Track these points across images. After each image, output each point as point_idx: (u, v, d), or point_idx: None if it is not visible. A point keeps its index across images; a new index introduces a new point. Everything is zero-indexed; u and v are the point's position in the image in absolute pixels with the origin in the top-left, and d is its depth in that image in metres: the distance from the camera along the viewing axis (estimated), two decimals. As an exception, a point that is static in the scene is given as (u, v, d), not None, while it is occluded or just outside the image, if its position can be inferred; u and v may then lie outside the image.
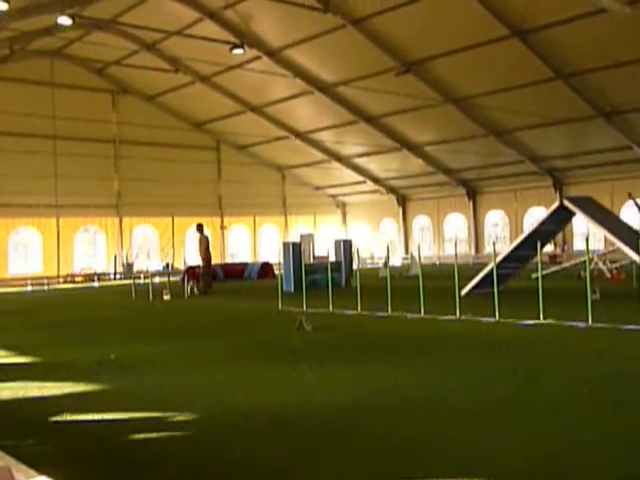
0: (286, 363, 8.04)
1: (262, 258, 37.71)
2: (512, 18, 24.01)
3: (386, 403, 5.90)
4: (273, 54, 29.85)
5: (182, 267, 28.80)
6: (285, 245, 22.61)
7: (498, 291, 11.54)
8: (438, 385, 6.57)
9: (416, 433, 4.95)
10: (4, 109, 31.70)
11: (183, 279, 22.00)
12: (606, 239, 24.29)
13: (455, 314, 11.65)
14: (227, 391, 6.61)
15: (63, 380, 7.38)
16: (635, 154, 31.42)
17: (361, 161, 40.39)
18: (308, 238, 27.85)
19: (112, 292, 24.92)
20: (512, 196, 38.52)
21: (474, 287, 15.26)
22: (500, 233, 39.63)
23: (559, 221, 15.97)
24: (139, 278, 25.67)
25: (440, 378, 6.89)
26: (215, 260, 29.09)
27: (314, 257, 25.86)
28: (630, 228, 16.17)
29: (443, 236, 42.01)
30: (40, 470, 3.43)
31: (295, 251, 21.31)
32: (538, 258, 12.13)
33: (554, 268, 22.81)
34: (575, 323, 10.11)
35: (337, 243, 24.05)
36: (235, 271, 30.38)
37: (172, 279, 23.87)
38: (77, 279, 33.56)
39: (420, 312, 12.19)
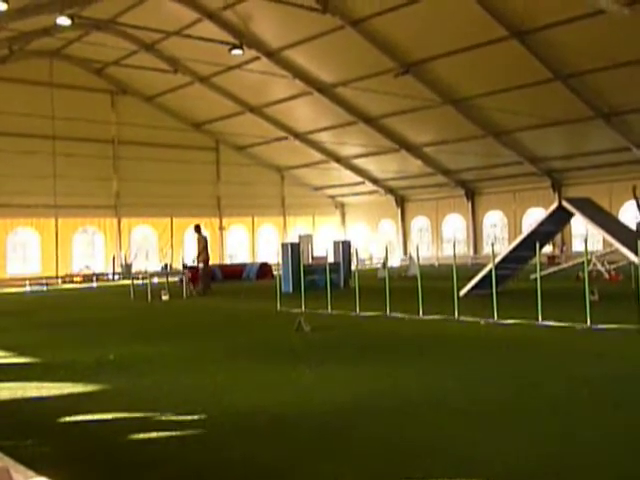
0: (285, 363, 8.03)
1: (261, 259, 37.70)
2: (511, 19, 24.03)
3: (386, 403, 5.90)
4: (272, 55, 29.85)
5: (180, 267, 28.81)
6: (284, 246, 22.61)
7: (497, 292, 11.53)
8: (437, 385, 6.57)
9: (416, 433, 4.95)
10: (3, 109, 31.65)
11: (182, 279, 21.99)
12: (604, 240, 24.32)
13: (454, 315, 11.66)
14: (226, 391, 6.61)
15: (62, 380, 7.37)
16: (634, 155, 31.45)
17: (360, 162, 40.41)
18: (307, 239, 27.84)
19: (111, 292, 24.91)
20: (511, 197, 38.55)
21: (473, 288, 15.26)
22: (499, 234, 39.64)
23: (558, 222, 15.98)
24: (138, 278, 25.64)
25: (439, 378, 6.89)
26: (214, 261, 29.11)
27: (313, 258, 25.85)
28: (628, 229, 16.19)
29: (442, 237, 42.03)
30: (39, 471, 3.42)
31: (294, 252, 21.30)
32: (537, 259, 12.14)
33: (552, 269, 22.83)
34: (574, 324, 10.11)
35: (336, 244, 24.05)
36: (234, 272, 30.38)
37: (171, 279, 23.84)
38: (76, 279, 33.53)
39: (419, 313, 12.19)
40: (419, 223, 43.73)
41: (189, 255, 29.86)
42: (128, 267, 34.46)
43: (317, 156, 39.99)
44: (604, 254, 22.96)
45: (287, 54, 29.80)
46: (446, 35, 25.83)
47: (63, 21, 24.12)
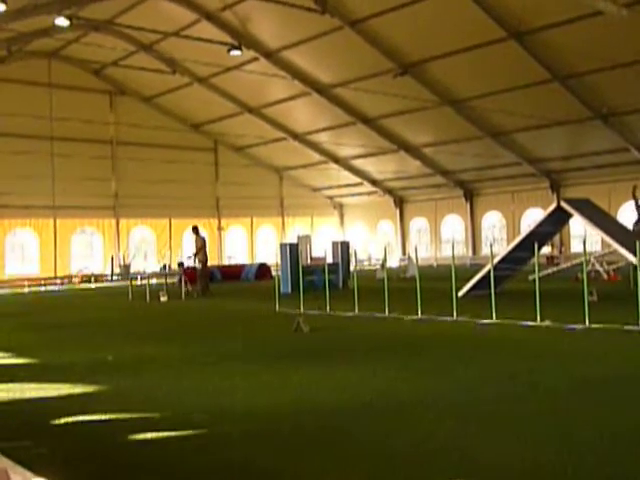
0: (284, 364, 8.03)
1: (259, 259, 37.70)
2: (509, 20, 24.05)
3: (385, 404, 5.89)
4: (271, 55, 29.86)
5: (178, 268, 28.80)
6: (282, 246, 22.60)
7: (495, 292, 11.54)
8: (436, 386, 6.57)
9: (415, 434, 4.95)
10: (1, 110, 31.63)
11: (180, 280, 21.98)
12: (603, 241, 24.32)
13: (452, 315, 11.66)
14: (225, 392, 6.60)
15: (60, 381, 7.37)
16: (632, 156, 31.47)
17: (358, 162, 40.42)
18: (305, 239, 27.84)
19: (109, 293, 24.89)
20: (509, 198, 38.57)
21: (471, 288, 15.26)
22: (497, 235, 39.66)
23: (556, 223, 15.99)
24: (136, 279, 25.63)
25: (438, 379, 6.89)
26: (212, 261, 29.11)
27: (311, 258, 25.84)
28: (627, 230, 16.20)
29: (440, 237, 42.05)
30: (37, 472, 3.42)
31: (292, 252, 21.30)
32: (535, 260, 12.14)
33: (551, 269, 22.84)
34: (572, 325, 10.11)
35: (334, 244, 24.05)
36: (232, 272, 30.38)
37: (169, 280, 23.84)
38: (74, 280, 33.52)
39: (417, 313, 12.19)
40: (418, 224, 43.75)
41: (186, 256, 29.82)
42: (126, 268, 34.47)
43: (316, 157, 40.00)
44: (603, 255, 22.97)
45: (286, 55, 29.81)
46: (444, 36, 25.86)
47: (61, 22, 24.14)
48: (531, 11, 23.23)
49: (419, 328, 11.10)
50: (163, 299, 19.21)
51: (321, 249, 22.36)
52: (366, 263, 41.16)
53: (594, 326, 9.87)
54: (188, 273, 22.08)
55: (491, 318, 11.03)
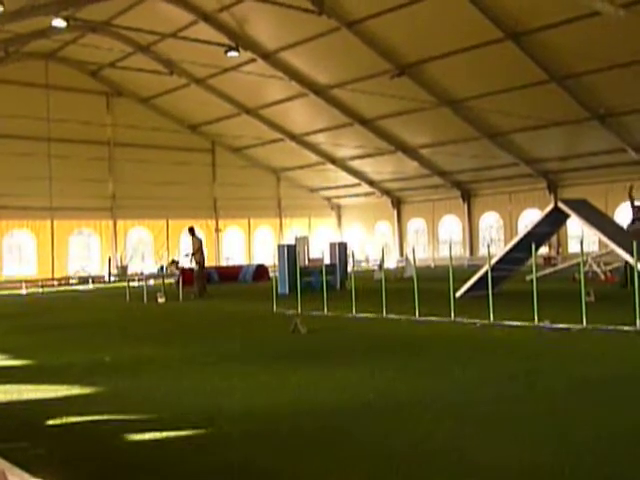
0: (282, 365, 8.03)
1: (257, 260, 37.68)
2: (506, 21, 24.09)
3: (383, 405, 5.89)
4: (268, 56, 29.87)
5: (176, 269, 28.75)
6: (280, 247, 22.59)
7: (493, 293, 11.54)
8: (434, 387, 6.57)
9: (413, 435, 4.95)
10: (-2, 111, 31.65)
11: (178, 281, 21.96)
12: (600, 241, 24.36)
13: (450, 316, 11.66)
14: (223, 393, 6.60)
15: (58, 383, 7.35)
16: (629, 157, 31.53)
17: (356, 163, 40.44)
18: (303, 240, 27.80)
19: (106, 294, 24.86)
20: (507, 198, 38.62)
21: (469, 289, 15.27)
22: (495, 235, 39.70)
23: (553, 223, 16.00)
24: (133, 280, 25.61)
25: (436, 380, 6.89)
26: (210, 263, 29.09)
27: (309, 259, 25.80)
28: (624, 230, 16.22)
29: (438, 238, 42.09)
30: (35, 473, 3.41)
31: (290, 253, 21.30)
32: (533, 260, 12.15)
33: (548, 270, 22.85)
34: (570, 325, 10.12)
35: (332, 245, 24.04)
36: (230, 273, 30.35)
37: (167, 281, 23.81)
38: (71, 281, 33.48)
39: (415, 314, 12.19)
40: (415, 225, 43.78)
41: (183, 257, 29.79)
42: (124, 269, 34.43)
43: (313, 158, 40.01)
44: (600, 255, 23.00)
45: (283, 56, 29.83)
46: (442, 37, 25.89)
47: (58, 23, 24.13)
48: (528, 12, 23.28)
49: (417, 329, 11.10)
50: (161, 300, 19.20)
51: (319, 250, 22.36)
52: (364, 264, 41.16)
53: (591, 326, 9.87)
54: (185, 274, 22.06)
55: (489, 319, 11.03)
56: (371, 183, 42.71)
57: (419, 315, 12.13)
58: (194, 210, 38.15)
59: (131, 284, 22.87)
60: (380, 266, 24.67)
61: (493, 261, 14.54)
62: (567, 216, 15.07)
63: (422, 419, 5.38)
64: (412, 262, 16.56)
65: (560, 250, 35.43)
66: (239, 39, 28.24)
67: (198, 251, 20.85)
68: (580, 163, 33.80)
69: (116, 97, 37.02)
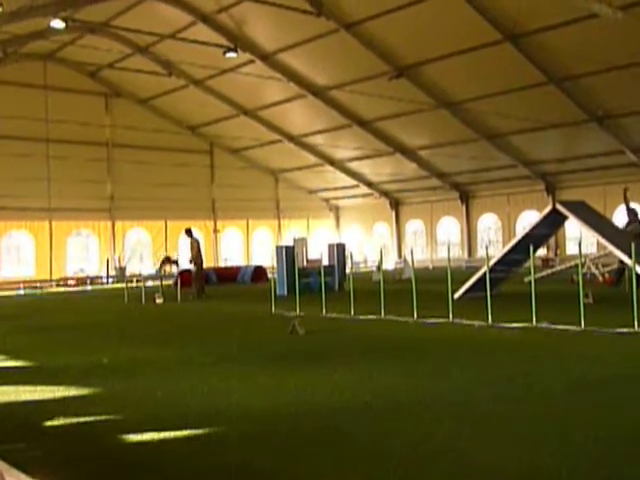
0: (280, 366, 8.02)
1: (255, 262, 37.67)
2: (504, 22, 24.12)
3: (381, 406, 5.89)
4: (266, 58, 29.88)
5: (175, 270, 28.73)
6: (278, 249, 22.59)
7: (491, 295, 11.54)
8: (433, 388, 6.56)
9: (412, 436, 4.94)
10: (-3, 112, 31.64)
11: (176, 282, 21.94)
12: (598, 243, 24.37)
13: (448, 317, 11.66)
14: (221, 394, 6.59)
15: (55, 384, 7.34)
16: (627, 158, 31.57)
17: (354, 165, 40.46)
18: (301, 242, 27.77)
19: (105, 296, 24.84)
20: (505, 200, 38.65)
21: (467, 290, 15.27)
22: (493, 237, 39.73)
23: (552, 225, 16.00)
24: (132, 282, 25.59)
25: (435, 381, 6.89)
26: (208, 264, 29.03)
27: (307, 261, 25.78)
28: (622, 232, 16.23)
29: (436, 240, 42.11)
30: (32, 474, 3.41)
31: (288, 255, 21.30)
32: (531, 262, 12.15)
33: (546, 272, 22.87)
34: (568, 326, 10.13)
35: (330, 247, 24.04)
36: (228, 274, 30.34)
37: (165, 282, 23.79)
38: (70, 282, 33.46)
39: (413, 315, 12.19)
40: (413, 226, 43.80)
41: (182, 258, 29.78)
42: (122, 270, 34.41)
43: (311, 159, 40.02)
44: (598, 257, 23.01)
45: (281, 57, 29.84)
46: (440, 38, 25.91)
47: (57, 24, 24.14)
48: (526, 13, 23.30)
49: (415, 330, 11.09)
50: (159, 301, 19.19)
51: (317, 251, 22.35)
52: (362, 265, 41.18)
53: (590, 328, 9.88)
54: (184, 275, 22.04)
55: (487, 320, 11.03)
56: (369, 184, 42.73)
57: (418, 316, 12.12)
58: (192, 211, 38.14)
59: (129, 285, 22.84)
60: (378, 267, 24.66)
61: (491, 262, 14.56)
62: (565, 218, 15.08)
63: (421, 420, 5.38)
64: (410, 263, 16.53)
65: (558, 252, 35.44)
66: (238, 40, 28.25)
67: (197, 253, 20.82)
68: (578, 165, 33.84)
69: (114, 98, 37.02)
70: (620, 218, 28.50)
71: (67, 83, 34.55)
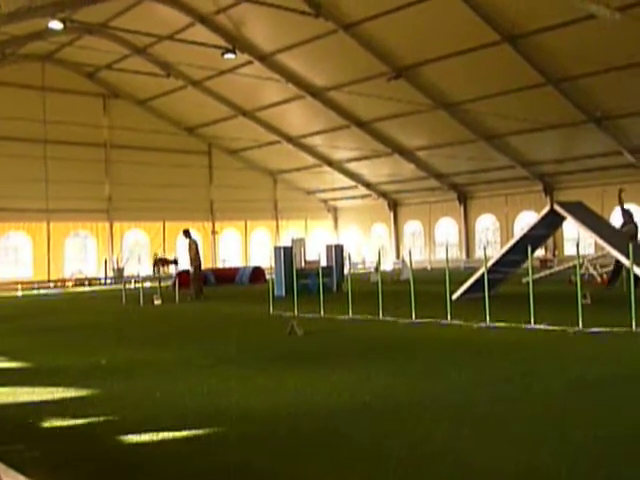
0: (279, 367, 8.02)
1: (253, 263, 37.66)
2: (503, 23, 24.12)
3: (379, 407, 5.89)
4: (265, 59, 29.87)
5: (173, 272, 28.74)
6: (276, 250, 22.59)
7: (489, 295, 11.55)
8: (431, 389, 6.57)
9: (410, 437, 4.94)
10: (-5, 113, 31.59)
11: (174, 284, 21.94)
12: (596, 244, 24.39)
13: (446, 318, 11.67)
14: (220, 395, 6.59)
15: (53, 385, 7.33)
16: (625, 159, 31.59)
17: (353, 166, 40.44)
18: (299, 243, 27.79)
19: (103, 297, 24.83)
20: (503, 201, 38.65)
21: (465, 291, 15.27)
22: (491, 238, 39.73)
23: (550, 226, 16.02)
24: (130, 283, 25.57)
25: (433, 382, 6.89)
26: (206, 265, 29.04)
27: (305, 262, 25.80)
28: (620, 233, 16.24)
29: (434, 241, 42.09)
30: (29, 475, 3.41)
31: (286, 256, 21.30)
32: (529, 262, 12.16)
33: (544, 273, 22.89)
34: (566, 327, 10.13)
35: (328, 248, 24.05)
36: (227, 275, 30.34)
37: (163, 284, 23.79)
38: (68, 284, 33.42)
39: (412, 316, 12.19)
40: (412, 227, 43.79)
41: (180, 259, 29.78)
42: (120, 271, 34.38)
43: (310, 160, 40.01)
44: (596, 258, 23.03)
45: (280, 58, 29.83)
46: (438, 39, 25.91)
47: (55, 25, 24.11)
48: (525, 14, 23.32)
49: (414, 331, 11.10)
50: (157, 302, 19.17)
51: (315, 252, 22.35)
52: (360, 266, 41.18)
53: (588, 329, 9.88)
54: (182, 276, 22.02)
55: (485, 321, 11.04)
56: (368, 185, 42.72)
57: (416, 317, 12.13)
58: (191, 212, 38.10)
59: (127, 286, 22.83)
60: (376, 268, 24.67)
61: (489, 263, 14.56)
62: (563, 218, 15.10)
63: (420, 421, 5.38)
64: (408, 264, 16.54)
65: (556, 253, 35.46)
66: (236, 41, 28.24)
67: (195, 254, 20.80)
68: (576, 166, 33.85)
69: (113, 99, 36.99)
70: (617, 219, 28.57)
71: (65, 84, 34.51)
